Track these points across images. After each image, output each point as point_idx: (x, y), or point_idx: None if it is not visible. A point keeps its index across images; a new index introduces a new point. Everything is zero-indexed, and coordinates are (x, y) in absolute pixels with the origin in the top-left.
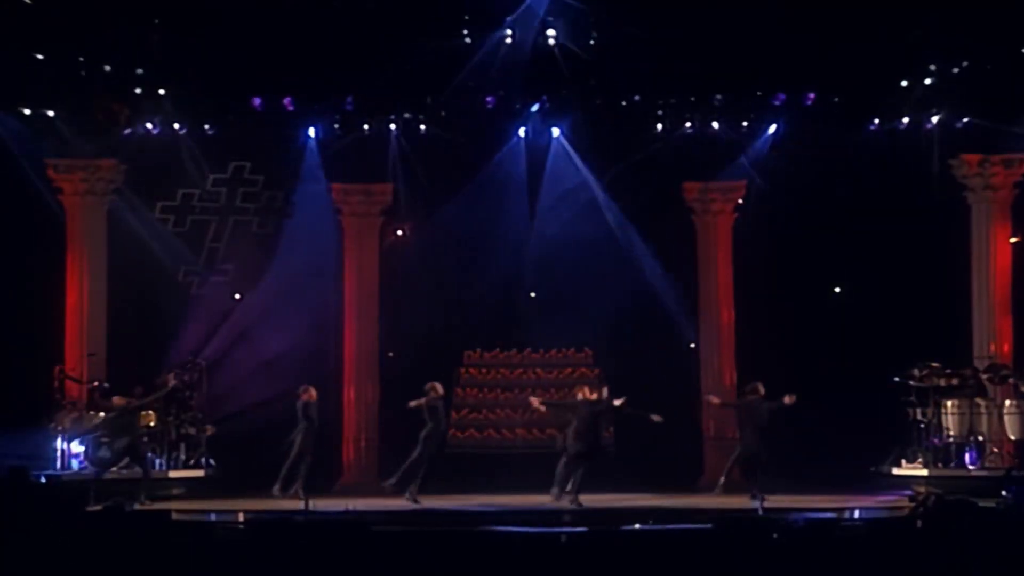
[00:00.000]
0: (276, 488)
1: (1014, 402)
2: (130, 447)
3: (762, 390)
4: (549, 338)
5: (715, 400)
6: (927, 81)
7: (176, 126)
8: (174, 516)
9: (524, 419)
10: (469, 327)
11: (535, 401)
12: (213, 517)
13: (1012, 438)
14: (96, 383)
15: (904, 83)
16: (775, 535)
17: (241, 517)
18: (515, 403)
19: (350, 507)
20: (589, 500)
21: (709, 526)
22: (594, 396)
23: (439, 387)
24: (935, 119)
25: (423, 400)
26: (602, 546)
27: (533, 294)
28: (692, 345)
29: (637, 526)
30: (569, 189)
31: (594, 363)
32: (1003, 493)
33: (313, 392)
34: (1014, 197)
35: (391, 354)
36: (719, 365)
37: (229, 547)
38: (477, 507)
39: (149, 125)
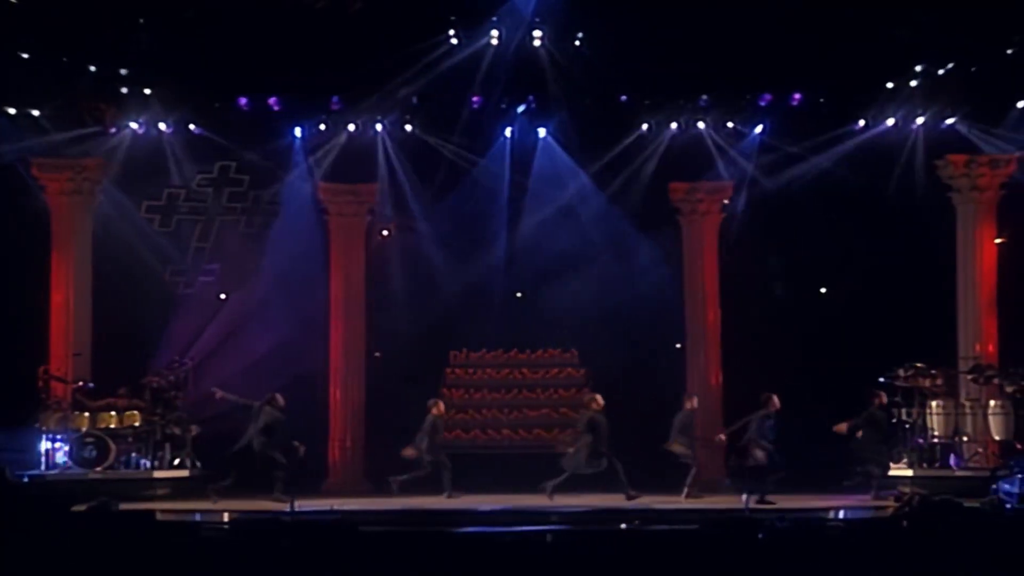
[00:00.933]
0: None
1: (999, 402)
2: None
3: (776, 403)
4: (536, 338)
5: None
6: (913, 83)
7: (162, 126)
8: (159, 516)
9: (511, 419)
10: (456, 327)
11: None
12: (198, 517)
13: (997, 438)
14: (81, 383)
15: (890, 84)
16: (761, 535)
17: (226, 517)
18: (501, 403)
19: (335, 507)
20: (575, 501)
21: (695, 527)
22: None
23: (600, 399)
24: (921, 120)
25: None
26: (588, 546)
27: (520, 294)
28: (679, 345)
29: (623, 526)
30: (556, 189)
31: (580, 363)
32: (994, 487)
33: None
34: (1000, 198)
35: (378, 354)
36: (705, 365)
37: (214, 548)
38: (463, 507)
39: (135, 124)
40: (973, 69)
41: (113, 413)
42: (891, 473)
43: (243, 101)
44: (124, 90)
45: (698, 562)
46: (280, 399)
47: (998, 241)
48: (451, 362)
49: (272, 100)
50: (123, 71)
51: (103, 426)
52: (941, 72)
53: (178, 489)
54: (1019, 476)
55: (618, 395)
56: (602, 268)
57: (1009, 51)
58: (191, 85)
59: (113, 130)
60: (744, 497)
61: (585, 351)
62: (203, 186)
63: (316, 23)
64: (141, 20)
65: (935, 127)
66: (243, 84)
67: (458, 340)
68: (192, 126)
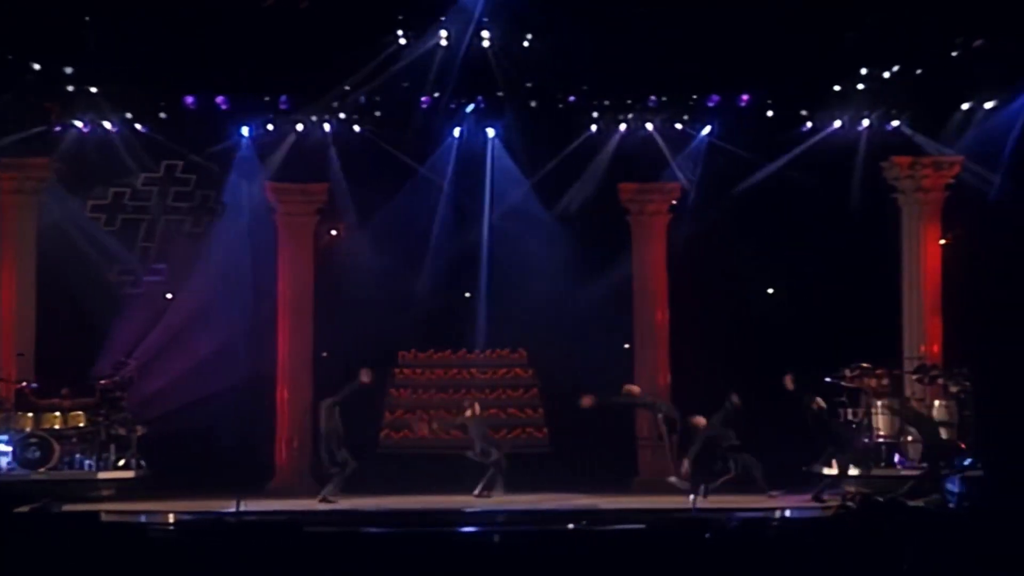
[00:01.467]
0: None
1: (944, 403)
2: None
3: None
4: (484, 339)
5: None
6: (860, 85)
7: (108, 124)
8: (103, 517)
9: (459, 420)
10: (404, 327)
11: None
12: (143, 519)
13: (942, 438)
14: (25, 383)
15: (837, 88)
16: (708, 535)
17: (172, 518)
18: (450, 404)
19: (281, 507)
20: (523, 501)
21: (643, 527)
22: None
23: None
24: (867, 122)
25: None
26: (536, 547)
27: (468, 294)
28: (627, 345)
29: (571, 526)
30: (504, 190)
31: (528, 364)
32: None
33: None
34: (944, 199)
35: (325, 354)
36: (654, 365)
37: (160, 548)
38: (411, 507)
39: (80, 123)
40: (918, 72)
41: (57, 413)
42: (835, 472)
43: (190, 100)
44: (70, 88)
45: (646, 562)
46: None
47: (942, 242)
48: (399, 362)
49: (220, 99)
50: (68, 69)
51: (47, 427)
52: (887, 75)
53: (123, 490)
54: (960, 476)
55: (566, 395)
56: (551, 268)
57: (953, 54)
58: (137, 83)
59: (58, 129)
60: (692, 497)
61: (533, 351)
62: (149, 185)
63: (265, 22)
64: (87, 18)
65: (881, 129)
66: (190, 83)
67: (406, 340)
68: (138, 125)
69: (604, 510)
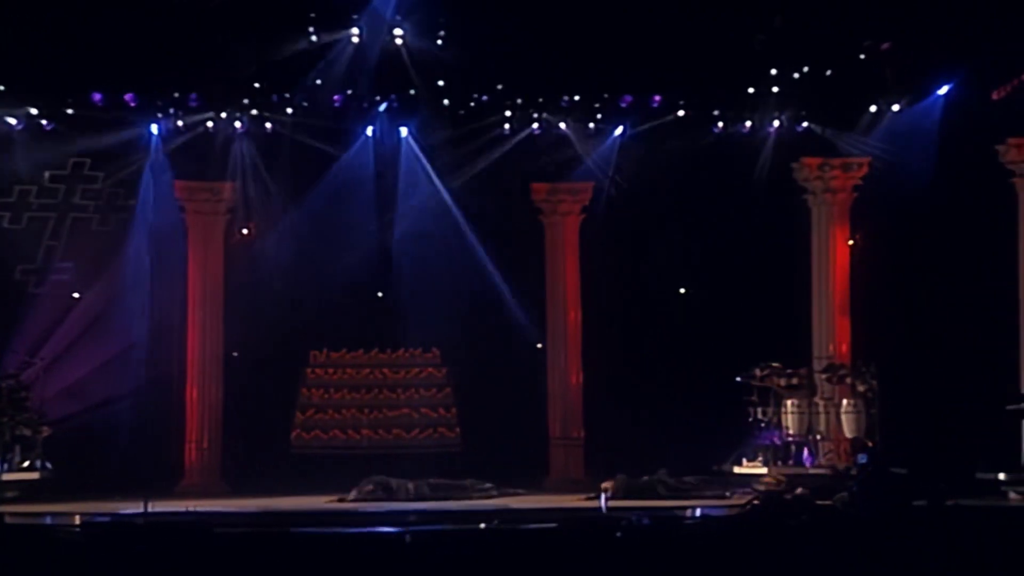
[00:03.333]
0: None
1: (851, 401)
2: None
3: None
4: (396, 338)
5: None
6: (774, 88)
7: (12, 120)
8: (7, 519)
9: (370, 419)
10: (315, 327)
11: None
12: (49, 520)
13: (848, 436)
14: None
15: (750, 89)
16: (619, 534)
17: (77, 520)
18: (361, 403)
19: (191, 508)
20: (435, 500)
21: (554, 525)
22: None
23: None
24: (776, 123)
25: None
26: (448, 546)
27: (380, 294)
28: (539, 345)
29: (482, 526)
30: (417, 189)
31: (441, 363)
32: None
33: None
34: (852, 200)
35: (235, 354)
36: (566, 365)
37: (65, 550)
38: (322, 508)
39: None
40: (828, 73)
41: None
42: (745, 471)
43: (97, 96)
44: None
45: (557, 560)
46: None
47: (850, 242)
48: (311, 362)
49: (128, 96)
50: None
51: None
52: (796, 76)
53: (28, 491)
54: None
55: (478, 395)
56: (463, 267)
57: (862, 56)
58: (43, 79)
59: None
60: (602, 496)
61: (446, 351)
62: (55, 182)
63: (174, 17)
64: None
65: (791, 130)
66: (98, 79)
67: (318, 340)
68: (44, 121)
69: (516, 509)
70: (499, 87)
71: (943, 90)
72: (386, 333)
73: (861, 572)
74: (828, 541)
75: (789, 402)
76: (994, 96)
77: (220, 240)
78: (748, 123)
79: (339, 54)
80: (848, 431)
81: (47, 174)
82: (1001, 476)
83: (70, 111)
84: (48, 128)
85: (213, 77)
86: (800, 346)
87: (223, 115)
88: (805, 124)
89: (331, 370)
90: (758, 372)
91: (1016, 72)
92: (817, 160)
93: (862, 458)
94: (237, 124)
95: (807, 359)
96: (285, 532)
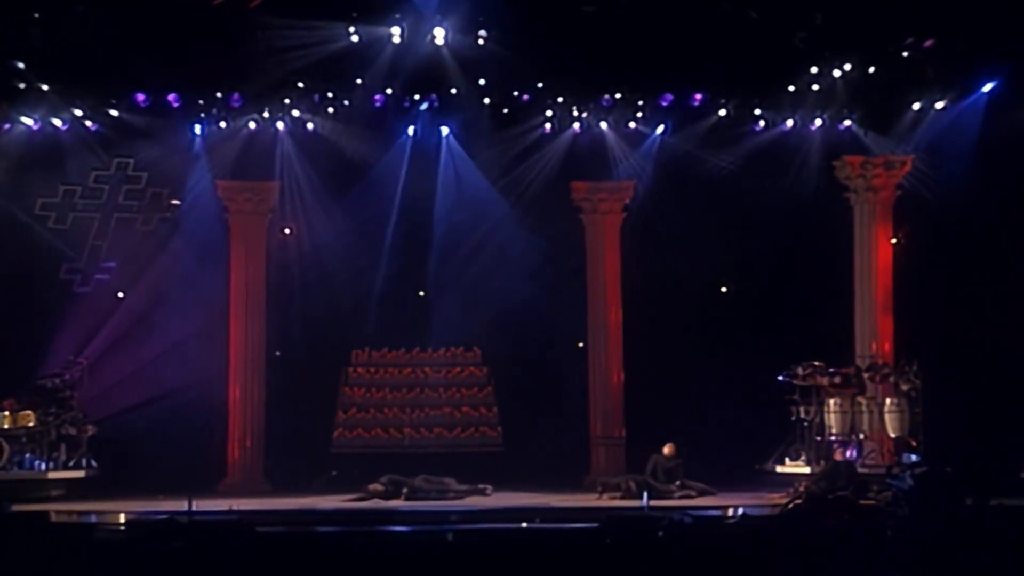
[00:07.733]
0: None
1: (894, 400)
2: None
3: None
4: (438, 337)
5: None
6: (814, 86)
7: (58, 122)
8: (53, 518)
9: (411, 418)
10: (357, 326)
11: None
12: (94, 519)
13: (892, 436)
14: None
15: (792, 88)
16: (660, 533)
17: (122, 518)
18: (403, 402)
19: (234, 507)
20: (476, 499)
21: (595, 525)
22: None
23: None
24: (819, 122)
25: None
26: (489, 545)
27: (422, 293)
28: (580, 344)
29: (524, 525)
30: (458, 188)
31: (482, 363)
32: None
33: None
34: (894, 198)
35: (278, 353)
36: (607, 364)
37: (110, 549)
38: (364, 507)
39: (30, 121)
40: (870, 71)
41: (7, 413)
42: (788, 470)
43: (141, 97)
44: (21, 85)
45: (599, 560)
46: None
47: (893, 241)
48: (353, 361)
49: (171, 96)
50: (18, 66)
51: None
52: (838, 74)
53: (73, 490)
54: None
55: (520, 394)
56: (505, 267)
57: (904, 53)
58: (88, 81)
59: (7, 126)
60: (645, 496)
61: (487, 350)
62: (99, 183)
63: (216, 19)
64: (35, 15)
65: (832, 129)
66: (141, 80)
67: (360, 339)
68: (89, 122)
69: (557, 508)
70: (540, 86)
71: (987, 87)
72: (428, 332)
73: (905, 572)
74: (871, 541)
75: (832, 401)
76: None
77: (262, 240)
78: (790, 121)
79: (381, 54)
80: (892, 430)
81: (92, 175)
82: None
83: (114, 112)
84: (93, 129)
85: (255, 77)
86: (842, 345)
87: (265, 115)
88: (847, 122)
89: (373, 369)
90: (800, 371)
91: None
92: (859, 158)
93: (908, 457)
94: (279, 124)
95: (849, 358)
96: (326, 531)
